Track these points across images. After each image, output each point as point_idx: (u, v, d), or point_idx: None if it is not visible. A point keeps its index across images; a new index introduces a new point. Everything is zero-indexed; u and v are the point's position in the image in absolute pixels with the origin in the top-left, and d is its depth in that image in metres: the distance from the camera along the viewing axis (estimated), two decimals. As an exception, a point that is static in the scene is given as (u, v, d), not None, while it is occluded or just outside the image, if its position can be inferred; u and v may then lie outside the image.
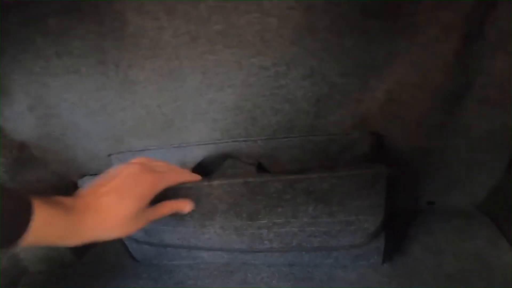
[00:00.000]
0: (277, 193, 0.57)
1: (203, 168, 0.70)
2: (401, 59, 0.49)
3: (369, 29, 0.46)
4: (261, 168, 0.67)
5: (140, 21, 0.50)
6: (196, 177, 0.60)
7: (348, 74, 0.53)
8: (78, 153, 0.79)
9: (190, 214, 0.64)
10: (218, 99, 0.60)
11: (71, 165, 0.84)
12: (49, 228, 0.39)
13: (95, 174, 0.74)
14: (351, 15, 0.45)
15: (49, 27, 0.53)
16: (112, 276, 0.82)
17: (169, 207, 0.55)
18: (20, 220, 0.36)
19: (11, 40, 0.56)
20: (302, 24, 0.47)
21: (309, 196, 0.56)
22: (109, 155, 0.77)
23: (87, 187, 0.47)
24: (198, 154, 0.71)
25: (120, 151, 0.76)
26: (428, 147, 0.63)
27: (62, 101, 0.65)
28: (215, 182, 0.58)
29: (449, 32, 0.44)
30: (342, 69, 0.52)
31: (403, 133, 0.61)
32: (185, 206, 0.57)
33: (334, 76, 0.54)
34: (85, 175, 0.80)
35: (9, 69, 0.60)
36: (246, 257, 0.72)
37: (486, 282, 0.59)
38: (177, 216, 0.66)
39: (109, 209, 0.45)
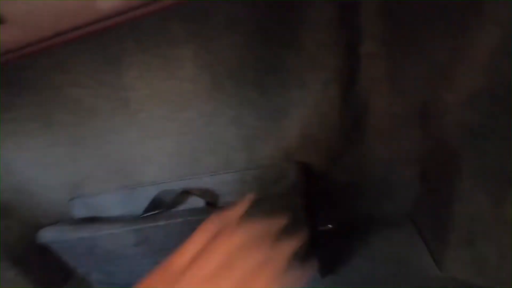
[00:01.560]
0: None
1: (156, 205, 0.76)
2: (300, 104, 0.59)
3: (266, 84, 0.56)
4: (208, 202, 0.74)
5: (77, 91, 0.58)
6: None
7: (263, 118, 0.62)
8: (41, 200, 0.84)
9: (143, 252, 0.71)
10: (159, 146, 0.68)
11: (36, 211, 0.89)
12: None
13: (53, 224, 0.79)
14: (250, 73, 0.54)
15: None
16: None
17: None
18: None
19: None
20: (212, 85, 0.55)
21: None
22: (70, 199, 0.83)
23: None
24: (152, 193, 0.77)
25: (79, 195, 0.82)
26: (347, 168, 0.72)
27: (17, 158, 0.71)
28: (161, 223, 0.65)
29: (329, 85, 0.54)
30: (256, 115, 0.61)
31: (321, 159, 0.70)
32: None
33: (252, 121, 0.62)
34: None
35: None
36: None
37: (409, 282, 0.67)
38: (130, 257, 0.72)
39: None
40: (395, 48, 0.51)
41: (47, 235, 0.72)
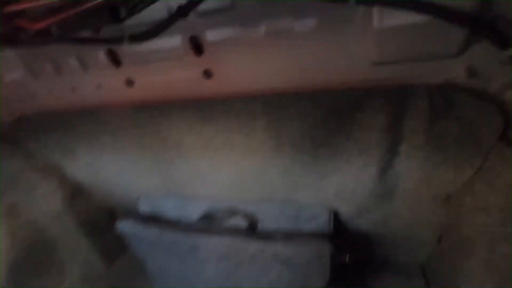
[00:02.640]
0: (252, 253, 0.79)
1: (207, 217, 0.93)
2: (343, 172, 0.71)
3: (319, 154, 0.68)
4: (249, 224, 0.89)
5: (170, 131, 0.74)
6: None
7: (310, 175, 0.75)
8: (116, 192, 1.04)
9: (194, 256, 0.88)
10: (218, 178, 0.83)
11: (108, 199, 1.10)
12: None
13: (128, 215, 0.99)
14: (306, 145, 0.67)
15: (110, 126, 0.79)
16: (132, 284, 1.07)
17: None
18: None
19: (81, 129, 0.82)
20: (274, 148, 0.69)
21: (276, 259, 0.78)
22: (138, 197, 1.02)
23: None
24: (203, 206, 0.94)
25: (146, 195, 1.01)
26: (373, 221, 0.83)
27: (110, 164, 0.90)
28: (214, 238, 0.82)
29: (369, 165, 0.66)
30: (305, 173, 0.74)
31: (351, 212, 0.81)
32: None
33: (300, 175, 0.75)
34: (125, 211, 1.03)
35: (77, 142, 0.87)
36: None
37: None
38: (183, 258, 0.90)
39: None
40: (429, 153, 0.61)
41: (122, 226, 0.92)
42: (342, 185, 0.74)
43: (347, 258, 0.90)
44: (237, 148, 0.73)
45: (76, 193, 1.04)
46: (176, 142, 0.78)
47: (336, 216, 0.84)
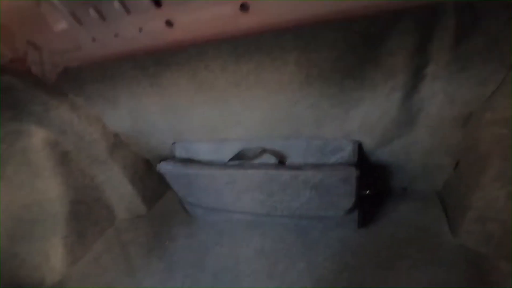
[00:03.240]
0: (286, 181, 0.88)
1: (239, 156, 1.01)
2: (368, 101, 0.76)
3: (345, 84, 0.73)
4: (278, 160, 0.97)
5: (205, 73, 0.80)
6: None
7: (336, 107, 0.80)
8: (152, 140, 1.14)
9: (230, 189, 0.98)
10: (250, 116, 0.90)
11: (145, 147, 1.20)
12: None
13: (166, 159, 1.09)
14: (334, 77, 0.72)
15: (149, 71, 0.84)
16: (172, 223, 1.20)
17: None
18: None
19: (122, 77, 0.89)
20: (304, 80, 0.74)
21: (306, 185, 0.86)
22: (173, 143, 1.11)
23: None
24: (236, 147, 1.02)
25: (181, 141, 1.09)
26: (394, 151, 0.90)
27: (149, 110, 0.98)
28: (248, 171, 0.91)
29: (395, 90, 0.71)
30: (332, 105, 0.80)
31: (374, 142, 0.88)
32: None
33: (327, 108, 0.81)
34: (161, 160, 1.12)
35: (118, 92, 0.94)
36: (265, 218, 1.06)
37: (424, 243, 0.88)
38: (220, 191, 1.00)
39: None
40: (454, 72, 0.65)
41: (164, 167, 1.02)
42: (366, 115, 0.80)
43: (368, 189, 0.98)
44: (269, 85, 0.79)
45: (116, 142, 1.14)
46: (211, 84, 0.84)
47: (359, 148, 0.91)
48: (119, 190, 1.22)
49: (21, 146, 0.99)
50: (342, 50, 0.68)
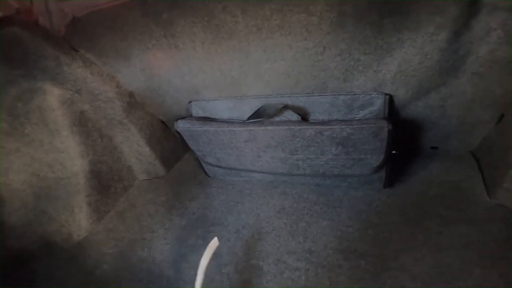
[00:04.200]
0: (310, 137, 0.83)
1: (259, 114, 0.96)
2: (408, 44, 0.68)
3: (384, 25, 0.64)
4: (301, 117, 0.92)
5: (223, 16, 0.73)
6: None
7: (369, 53, 0.72)
8: (167, 99, 1.09)
9: (250, 147, 0.95)
10: (273, 68, 0.83)
11: (160, 108, 1.16)
12: None
13: (185, 117, 1.05)
14: (371, 15, 0.63)
15: (161, 17, 0.78)
16: (191, 184, 1.20)
17: None
18: None
19: (133, 26, 0.82)
20: (336, 21, 0.66)
21: (333, 141, 0.81)
22: (189, 102, 1.07)
23: None
24: (255, 104, 0.97)
25: (197, 99, 1.05)
26: (429, 104, 0.82)
27: (163, 65, 0.92)
28: (269, 127, 0.86)
29: (441, 28, 0.61)
30: (365, 50, 0.72)
31: (408, 95, 0.80)
32: None
33: (359, 55, 0.73)
34: (178, 119, 1.09)
35: (130, 45, 0.88)
36: (286, 178, 1.03)
37: (457, 203, 0.84)
38: (240, 149, 0.97)
39: None
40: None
41: (182, 125, 0.99)
42: (404, 62, 0.72)
43: (395, 148, 0.92)
44: (295, 28, 0.71)
45: (132, 102, 1.11)
46: (229, 30, 0.77)
47: (391, 102, 0.84)
48: (137, 151, 1.21)
49: (37, 104, 0.97)
50: None
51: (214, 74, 0.91)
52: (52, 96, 0.97)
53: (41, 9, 0.84)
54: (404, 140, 0.97)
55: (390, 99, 0.83)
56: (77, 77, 0.96)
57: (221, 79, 0.93)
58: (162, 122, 1.25)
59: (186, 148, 1.41)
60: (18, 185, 1.00)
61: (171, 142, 1.32)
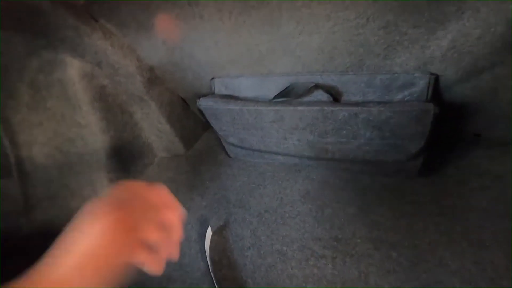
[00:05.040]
0: (344, 119, 0.77)
1: (287, 93, 0.90)
2: (469, 15, 0.59)
3: None
4: (332, 97, 0.85)
5: None
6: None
7: (419, 26, 0.64)
8: (188, 75, 1.04)
9: (276, 128, 0.89)
10: (306, 42, 0.76)
11: (181, 84, 1.12)
12: None
13: (206, 94, 1.00)
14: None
15: None
16: (211, 164, 1.17)
17: None
18: None
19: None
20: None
21: (368, 124, 0.75)
22: (212, 78, 1.01)
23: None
24: (281, 83, 0.91)
25: (220, 76, 0.99)
26: (479, 86, 0.74)
27: (186, 38, 0.87)
28: (299, 108, 0.80)
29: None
30: (415, 22, 0.63)
31: (458, 75, 0.72)
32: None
33: (406, 28, 0.65)
34: (199, 96, 1.05)
35: (152, 15, 0.82)
36: (311, 161, 0.98)
37: (499, 195, 0.77)
38: (265, 130, 0.92)
39: None
40: None
41: (204, 103, 0.94)
42: (461, 35, 0.63)
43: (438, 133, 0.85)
44: (332, 3, 0.63)
45: (152, 77, 1.06)
46: (259, 0, 0.70)
47: (436, 83, 0.75)
48: (157, 128, 1.18)
49: (59, 77, 0.94)
50: None
51: (240, 48, 0.85)
52: (73, 69, 0.94)
53: (60, -25, 0.79)
54: (445, 126, 0.89)
55: (436, 80, 0.75)
56: (98, 49, 0.92)
57: (247, 54, 0.86)
58: (182, 99, 1.21)
59: (205, 127, 1.38)
60: (41, 159, 1.00)
61: (190, 121, 1.28)
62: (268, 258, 0.78)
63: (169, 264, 0.37)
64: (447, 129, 0.91)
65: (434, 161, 0.90)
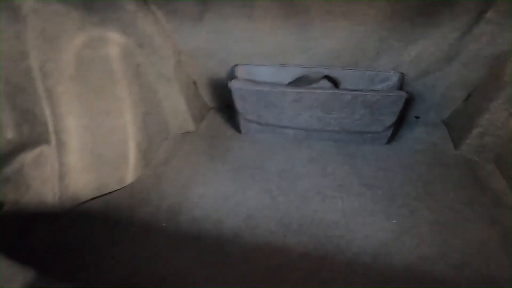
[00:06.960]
0: (347, 100, 1.10)
1: (299, 81, 1.18)
2: (429, 38, 0.97)
3: (418, 20, 0.93)
4: (334, 85, 1.17)
5: (304, 1, 0.92)
6: None
7: (402, 40, 1.00)
8: (213, 61, 1.24)
9: (294, 107, 1.18)
10: (323, 44, 1.06)
11: (200, 68, 1.30)
12: None
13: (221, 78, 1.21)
14: (411, 14, 0.91)
15: None
16: (223, 138, 1.38)
17: None
18: None
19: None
20: (388, 15, 0.92)
21: (363, 104, 1.09)
22: (235, 65, 1.23)
23: None
24: (294, 72, 1.18)
25: (243, 64, 1.22)
26: (424, 83, 1.15)
27: (230, 32, 1.07)
28: (317, 91, 1.10)
29: (455, 30, 0.92)
30: (398, 38, 0.99)
31: (415, 75, 1.11)
32: None
33: (393, 41, 1.01)
34: (212, 80, 1.24)
35: (206, 9, 1.01)
36: (313, 134, 1.29)
37: (431, 155, 1.20)
38: (284, 108, 1.19)
39: None
40: (506, 17, 0.88)
41: (236, 85, 1.16)
42: (422, 50, 1.02)
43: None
44: (356, 16, 0.94)
45: (180, 60, 1.22)
46: (300, 8, 0.96)
47: (402, 79, 1.14)
48: (175, 106, 1.33)
49: (103, 53, 1.03)
50: None
51: (270, 45, 1.10)
52: (118, 47, 1.04)
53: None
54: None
55: (402, 77, 1.13)
56: (145, 32, 1.04)
57: (274, 50, 1.12)
58: (194, 82, 1.38)
59: (209, 108, 1.56)
60: (77, 129, 1.07)
61: (199, 101, 1.46)
62: (295, 202, 1.06)
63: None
64: (401, 112, 1.33)
65: (393, 134, 1.31)
